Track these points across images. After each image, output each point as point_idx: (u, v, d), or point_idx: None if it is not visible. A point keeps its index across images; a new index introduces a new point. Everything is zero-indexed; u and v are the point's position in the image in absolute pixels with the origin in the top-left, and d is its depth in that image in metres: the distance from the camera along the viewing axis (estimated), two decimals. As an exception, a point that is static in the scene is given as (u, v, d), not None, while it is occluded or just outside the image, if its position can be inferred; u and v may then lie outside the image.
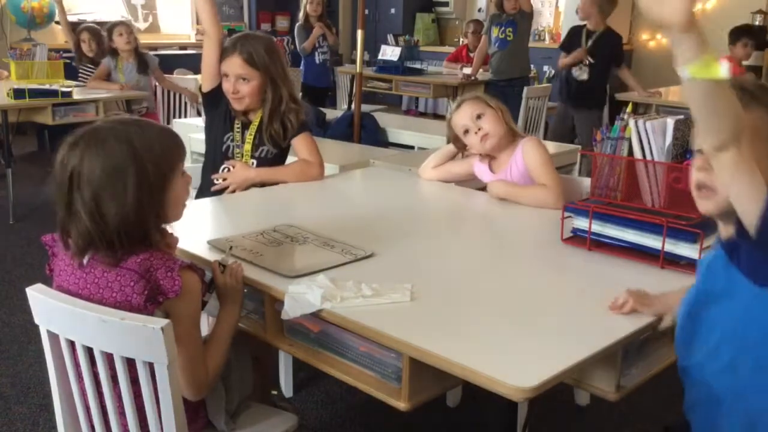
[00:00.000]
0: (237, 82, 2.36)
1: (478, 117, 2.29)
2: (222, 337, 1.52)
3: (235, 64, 2.35)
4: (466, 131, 2.32)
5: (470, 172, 2.42)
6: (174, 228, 1.50)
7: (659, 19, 1.08)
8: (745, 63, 5.52)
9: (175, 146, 1.43)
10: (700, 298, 1.31)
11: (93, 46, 5.35)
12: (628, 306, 1.40)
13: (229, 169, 2.40)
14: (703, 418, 1.34)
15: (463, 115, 2.32)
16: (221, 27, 2.46)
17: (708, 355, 1.29)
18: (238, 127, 2.44)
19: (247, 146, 2.43)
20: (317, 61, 6.14)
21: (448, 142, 2.46)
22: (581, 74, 5.18)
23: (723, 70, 1.07)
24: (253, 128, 2.43)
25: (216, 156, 2.48)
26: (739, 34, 5.39)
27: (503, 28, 5.60)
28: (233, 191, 2.39)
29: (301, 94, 5.66)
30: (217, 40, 2.41)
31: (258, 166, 2.44)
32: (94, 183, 1.31)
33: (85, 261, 1.38)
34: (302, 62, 6.18)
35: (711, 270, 1.29)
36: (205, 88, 2.47)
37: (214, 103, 2.47)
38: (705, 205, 1.29)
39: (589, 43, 5.13)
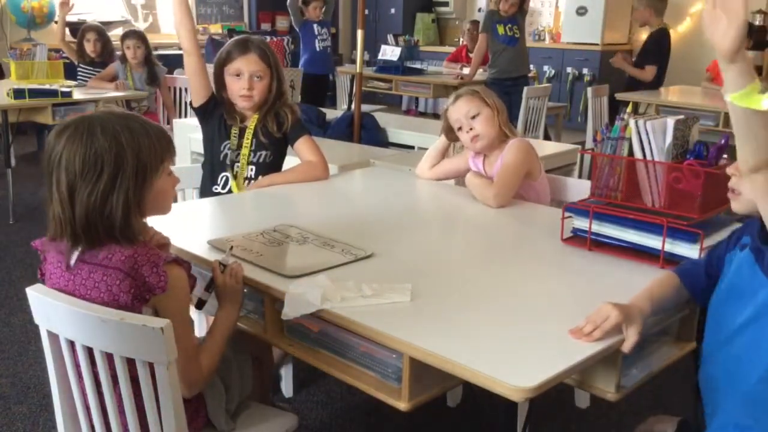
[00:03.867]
0: (251, 80, 2.38)
1: (473, 117, 2.29)
2: (219, 336, 1.52)
3: (252, 62, 2.38)
4: (459, 128, 2.32)
5: (466, 167, 2.42)
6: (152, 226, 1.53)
7: (712, 42, 1.19)
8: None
9: (162, 145, 1.43)
10: (722, 290, 1.37)
11: (98, 47, 5.35)
12: (596, 335, 1.30)
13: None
14: (708, 390, 1.41)
15: (458, 110, 2.31)
16: (198, 41, 2.48)
17: (725, 342, 1.35)
18: (234, 134, 2.45)
19: (245, 150, 2.43)
20: (317, 49, 6.17)
21: (442, 133, 2.45)
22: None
23: (765, 103, 1.14)
24: (249, 133, 2.44)
25: (214, 164, 2.48)
26: None
27: (509, 26, 5.59)
28: None
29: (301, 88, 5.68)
30: (198, 54, 2.44)
31: (257, 171, 2.45)
32: (71, 171, 1.32)
33: (72, 262, 1.38)
34: (302, 49, 6.21)
35: (740, 268, 1.34)
36: (197, 103, 2.48)
37: (209, 113, 2.48)
38: (734, 206, 1.39)
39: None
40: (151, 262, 1.35)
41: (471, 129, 2.29)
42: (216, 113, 2.47)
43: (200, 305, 1.60)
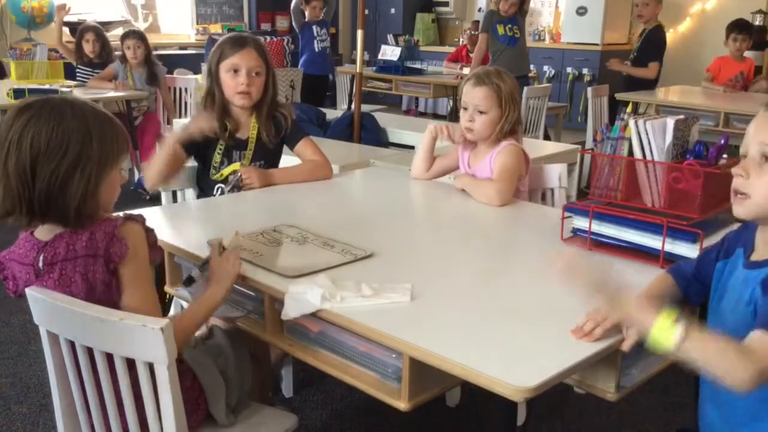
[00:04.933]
0: (250, 76, 2.34)
1: (480, 111, 2.27)
2: (198, 311, 1.51)
3: (250, 57, 2.34)
4: (465, 108, 2.31)
5: (457, 161, 2.44)
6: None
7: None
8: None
9: (123, 139, 1.43)
10: (729, 313, 1.33)
11: (96, 48, 5.34)
12: (597, 333, 1.29)
13: (240, 180, 2.35)
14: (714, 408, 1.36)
15: (472, 96, 2.28)
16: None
17: None
18: (220, 148, 2.40)
19: (245, 162, 2.40)
20: (316, 50, 6.18)
21: (459, 93, 2.39)
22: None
23: (674, 338, 1.11)
24: (251, 143, 2.41)
25: (207, 177, 2.43)
26: (729, 28, 5.56)
27: (509, 26, 5.60)
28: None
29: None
30: (166, 177, 2.29)
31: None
32: (35, 147, 1.32)
33: (40, 264, 1.38)
34: (301, 50, 6.22)
35: (737, 289, 1.30)
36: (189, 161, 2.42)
37: (195, 148, 2.39)
38: (738, 210, 1.30)
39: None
40: (108, 233, 1.36)
41: (471, 121, 2.29)
42: (201, 145, 2.38)
43: (189, 282, 1.59)
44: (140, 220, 1.43)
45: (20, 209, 1.35)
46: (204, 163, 2.45)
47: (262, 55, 2.38)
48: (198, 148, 2.39)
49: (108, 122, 1.40)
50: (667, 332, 1.13)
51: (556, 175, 2.49)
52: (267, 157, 2.46)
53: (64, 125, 1.33)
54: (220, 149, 2.41)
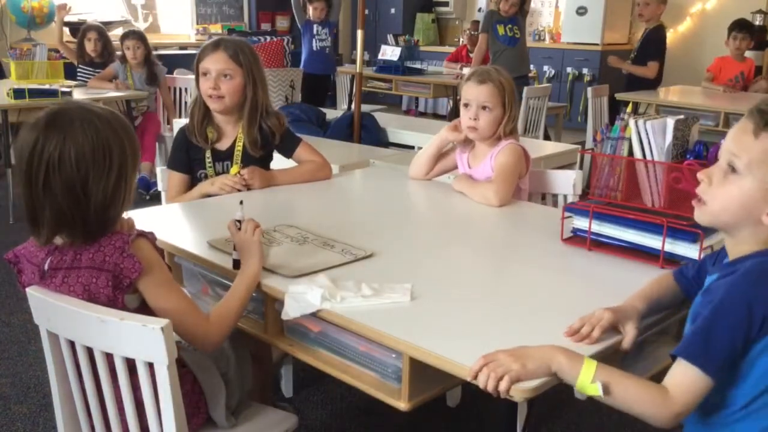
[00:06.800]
0: (218, 79, 2.29)
1: (484, 107, 2.26)
2: (238, 289, 1.51)
3: (219, 60, 2.30)
4: (466, 105, 2.29)
5: (455, 162, 2.44)
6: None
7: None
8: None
9: (136, 139, 1.43)
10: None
11: (98, 47, 5.34)
12: (596, 334, 1.29)
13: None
14: None
15: (476, 93, 2.26)
16: None
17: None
18: (209, 159, 2.38)
19: (234, 170, 2.36)
20: (314, 48, 6.16)
21: (458, 94, 2.38)
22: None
23: (598, 391, 1.15)
24: (237, 157, 2.37)
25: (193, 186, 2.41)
26: (731, 28, 5.63)
27: (510, 26, 5.60)
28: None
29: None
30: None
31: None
32: (82, 165, 1.29)
33: (45, 267, 1.38)
34: (302, 50, 6.21)
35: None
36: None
37: (188, 167, 2.42)
38: (696, 215, 1.30)
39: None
40: (118, 249, 1.34)
41: (476, 118, 2.26)
42: (189, 143, 2.39)
43: (236, 265, 1.59)
44: (151, 238, 1.42)
45: (74, 228, 1.33)
46: (193, 173, 2.43)
47: (237, 58, 2.31)
48: (190, 165, 2.41)
49: (122, 125, 1.39)
50: (589, 388, 1.16)
51: (570, 182, 2.42)
52: (255, 165, 2.39)
53: (103, 137, 1.31)
54: (209, 160, 2.39)
